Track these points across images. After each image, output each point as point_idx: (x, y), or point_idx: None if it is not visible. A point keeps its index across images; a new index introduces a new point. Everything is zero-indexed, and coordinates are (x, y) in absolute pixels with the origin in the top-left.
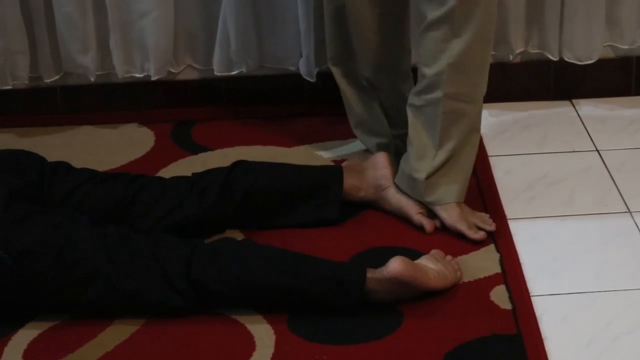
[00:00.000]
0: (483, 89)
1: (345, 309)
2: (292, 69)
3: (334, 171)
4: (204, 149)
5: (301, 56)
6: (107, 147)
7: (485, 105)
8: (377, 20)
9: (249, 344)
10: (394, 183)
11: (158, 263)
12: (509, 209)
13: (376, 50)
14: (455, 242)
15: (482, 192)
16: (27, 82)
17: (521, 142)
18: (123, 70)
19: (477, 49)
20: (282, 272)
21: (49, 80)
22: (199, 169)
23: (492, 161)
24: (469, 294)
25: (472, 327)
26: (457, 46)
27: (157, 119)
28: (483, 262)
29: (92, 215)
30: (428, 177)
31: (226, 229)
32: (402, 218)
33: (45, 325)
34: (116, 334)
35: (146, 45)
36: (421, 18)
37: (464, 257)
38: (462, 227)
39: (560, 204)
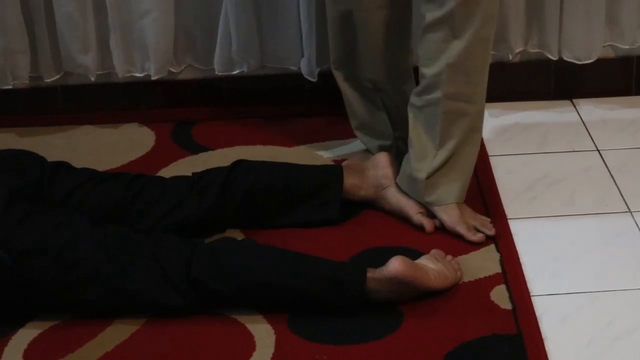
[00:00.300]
0: (483, 88)
1: (346, 308)
2: (293, 68)
3: (334, 171)
4: (205, 149)
5: (302, 56)
6: (108, 147)
7: (485, 105)
8: (384, 24)
9: (249, 344)
10: (395, 183)
11: (158, 263)
12: (510, 209)
13: (382, 53)
14: (455, 242)
15: (483, 192)
16: (27, 81)
17: (521, 142)
18: (123, 70)
19: (476, 49)
20: (282, 272)
21: (49, 80)
22: (200, 168)
23: (493, 161)
24: (469, 294)
25: (473, 327)
26: (456, 47)
27: (157, 118)
28: (483, 262)
29: (92, 215)
30: (428, 177)
31: (226, 228)
32: (402, 218)
33: (45, 325)
34: (116, 333)
35: (146, 45)
36: (420, 19)
37: (464, 257)
38: (461, 229)
39: (560, 204)
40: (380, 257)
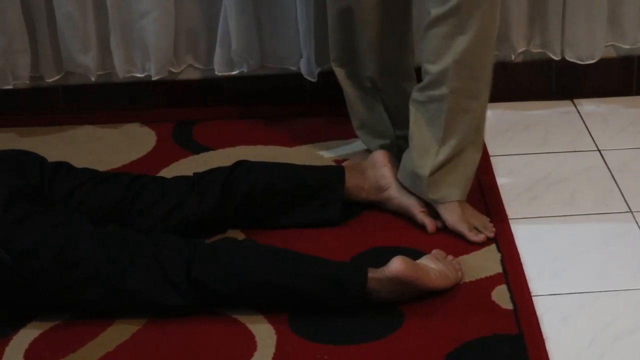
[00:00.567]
0: (487, 85)
1: (346, 308)
2: (293, 68)
3: (336, 171)
4: (205, 149)
5: (302, 56)
6: (108, 147)
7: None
8: (383, 21)
9: (250, 344)
10: (397, 179)
11: (158, 263)
12: (511, 209)
13: (382, 50)
14: (456, 242)
15: (484, 192)
16: (28, 81)
17: (523, 142)
18: (124, 70)
19: (481, 45)
20: (283, 272)
21: (50, 79)
22: (200, 168)
23: (494, 161)
24: (470, 294)
25: (473, 327)
26: (462, 43)
27: (158, 118)
28: (484, 262)
29: (93, 215)
30: (432, 174)
31: (227, 229)
32: (405, 217)
33: (46, 325)
34: (117, 333)
35: (147, 45)
36: (424, 15)
37: (465, 257)
38: (463, 228)
39: (561, 204)
40: (381, 257)
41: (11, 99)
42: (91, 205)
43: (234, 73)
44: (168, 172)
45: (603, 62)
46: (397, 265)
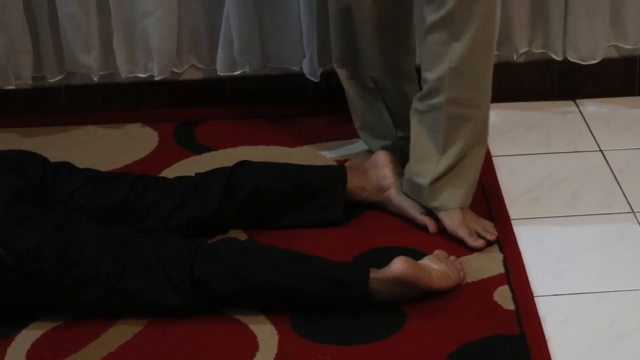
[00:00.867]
0: (487, 92)
1: (348, 309)
2: (296, 69)
3: (337, 171)
4: (207, 149)
5: (304, 56)
6: (110, 147)
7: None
8: (382, 21)
9: (252, 344)
10: (398, 181)
11: (160, 263)
12: (513, 210)
13: (381, 50)
14: (458, 242)
15: (486, 193)
16: (30, 81)
17: (525, 142)
18: (126, 70)
19: (478, 52)
20: (284, 272)
21: (52, 80)
22: (202, 169)
23: (496, 161)
24: (472, 295)
25: (476, 327)
26: (457, 50)
27: (160, 119)
28: (486, 263)
29: (95, 216)
30: (432, 183)
31: (229, 229)
32: (406, 219)
33: (48, 326)
34: (119, 334)
35: (149, 45)
36: (422, 22)
37: (467, 257)
38: (463, 234)
39: (563, 204)
40: (383, 257)
41: (13, 99)
42: (93, 205)
43: (236, 73)
44: (170, 173)
45: (605, 63)
46: (399, 265)
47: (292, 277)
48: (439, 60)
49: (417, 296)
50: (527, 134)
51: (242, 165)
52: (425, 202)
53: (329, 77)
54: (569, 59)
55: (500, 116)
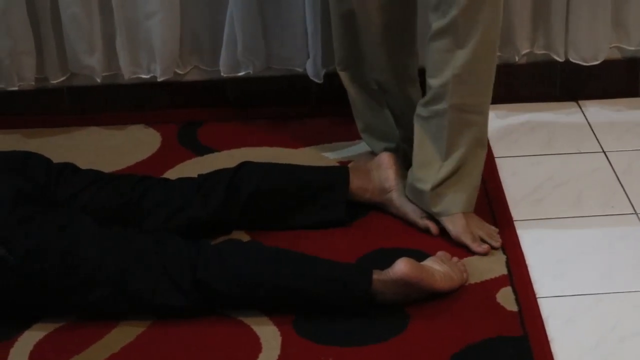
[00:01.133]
0: (489, 98)
1: (351, 310)
2: (299, 70)
3: (340, 172)
4: (210, 150)
5: (308, 57)
6: (113, 149)
7: (491, 106)
8: (385, 25)
9: (255, 346)
10: (400, 183)
11: (163, 264)
12: (515, 211)
13: (384, 53)
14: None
15: (489, 194)
16: (33, 83)
17: (527, 144)
18: (129, 71)
19: (481, 59)
20: (287, 273)
21: (55, 81)
22: (205, 170)
23: (499, 163)
24: (475, 296)
25: (478, 329)
26: (461, 57)
27: (163, 120)
28: (489, 264)
29: (98, 217)
30: (433, 188)
31: (232, 230)
32: (408, 222)
33: (51, 327)
34: (122, 335)
35: (152, 46)
36: (428, 28)
37: (470, 258)
38: (467, 240)
39: (566, 206)
40: (387, 258)
41: (16, 100)
42: (96, 206)
43: (239, 74)
44: (173, 174)
45: (607, 64)
46: (402, 267)
47: (295, 278)
48: (443, 67)
49: (420, 297)
50: (529, 136)
51: (245, 166)
52: (427, 207)
53: (333, 78)
54: (571, 60)
55: (502, 118)
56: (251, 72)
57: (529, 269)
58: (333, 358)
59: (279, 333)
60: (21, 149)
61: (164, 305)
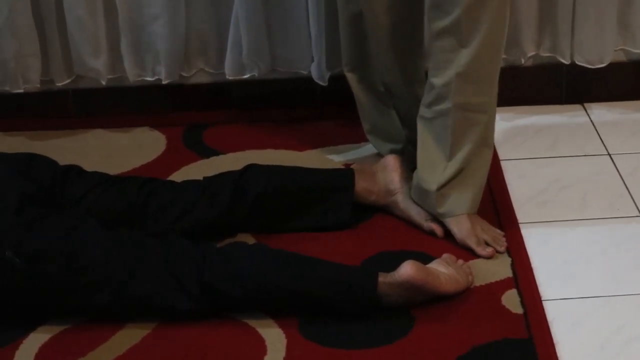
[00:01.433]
0: (493, 97)
1: (357, 313)
2: (304, 72)
3: (345, 174)
4: (216, 153)
5: (312, 60)
6: (119, 151)
7: (496, 109)
8: (393, 26)
9: (260, 348)
10: (406, 186)
11: (169, 267)
12: (521, 213)
13: (392, 55)
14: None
15: (494, 197)
16: (38, 85)
17: (533, 146)
18: (134, 74)
19: (485, 58)
20: (293, 276)
21: (60, 83)
22: (211, 172)
23: (504, 165)
24: (480, 299)
25: (484, 331)
26: (464, 56)
27: (168, 122)
28: (494, 267)
29: (103, 219)
30: (439, 189)
31: (238, 232)
32: (412, 225)
33: (56, 329)
34: (127, 337)
35: (157, 49)
36: (430, 28)
37: (475, 261)
38: (471, 243)
39: (572, 208)
40: (392, 261)
41: (22, 103)
42: (101, 209)
43: (244, 77)
44: (178, 176)
45: (613, 66)
46: (407, 269)
47: (301, 281)
48: (446, 66)
49: (426, 300)
50: (535, 138)
51: (251, 168)
52: (432, 208)
53: (337, 81)
54: (577, 62)
55: (508, 120)
56: (256, 74)
57: (534, 271)
58: None
59: (284, 335)
60: (27, 151)
61: (169, 308)
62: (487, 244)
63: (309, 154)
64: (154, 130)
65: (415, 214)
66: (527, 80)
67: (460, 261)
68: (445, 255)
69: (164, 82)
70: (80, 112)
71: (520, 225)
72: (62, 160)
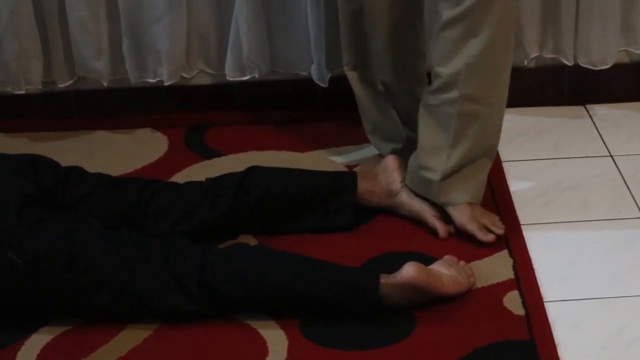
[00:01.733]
0: (502, 92)
1: (358, 314)
2: (304, 74)
3: (348, 176)
4: (217, 154)
5: (313, 61)
6: (121, 152)
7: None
8: (394, 24)
9: (262, 349)
10: (405, 185)
11: (171, 268)
12: (523, 215)
13: (393, 53)
14: (468, 247)
15: (496, 198)
16: (40, 86)
17: (535, 148)
18: (136, 75)
19: (496, 49)
20: (295, 277)
21: (62, 85)
22: (213, 174)
23: (506, 166)
24: (482, 300)
25: (485, 332)
26: (475, 46)
27: (170, 123)
28: (496, 268)
29: (105, 220)
30: (443, 179)
31: (239, 234)
32: (417, 221)
33: (58, 330)
34: (129, 339)
35: (159, 50)
36: (436, 17)
37: (477, 262)
38: (472, 228)
39: (573, 210)
40: (394, 262)
41: (24, 104)
42: (103, 210)
43: (245, 78)
44: (180, 178)
45: (616, 68)
46: (409, 271)
47: (303, 282)
48: (454, 55)
49: (428, 301)
50: (537, 139)
51: (253, 170)
52: (434, 197)
53: (338, 82)
54: (580, 64)
55: (510, 121)
56: (257, 75)
57: (536, 272)
58: None
59: (285, 337)
60: (29, 152)
61: (171, 309)
62: (488, 230)
63: (311, 155)
64: (155, 132)
65: (421, 210)
66: (530, 82)
67: (462, 262)
68: (447, 257)
69: (165, 84)
70: (82, 113)
71: (522, 227)
72: (64, 162)
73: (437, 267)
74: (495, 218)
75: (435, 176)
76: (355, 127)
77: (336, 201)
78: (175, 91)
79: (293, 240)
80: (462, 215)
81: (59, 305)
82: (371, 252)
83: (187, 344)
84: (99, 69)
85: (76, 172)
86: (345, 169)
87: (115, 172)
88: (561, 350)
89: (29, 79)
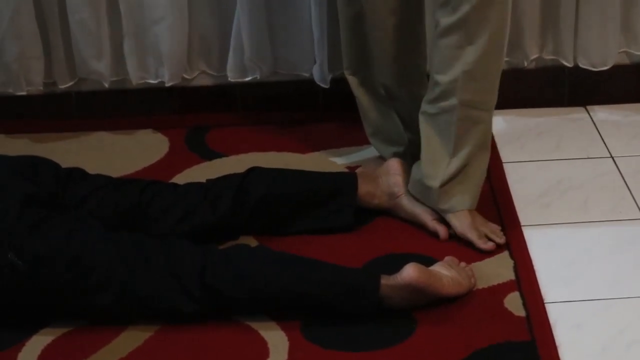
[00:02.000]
0: (495, 96)
1: (359, 315)
2: (306, 75)
3: (348, 178)
4: (218, 155)
5: (314, 63)
6: (122, 153)
7: (499, 111)
8: (396, 28)
9: (263, 351)
10: (407, 191)
11: (171, 268)
12: (523, 216)
13: (394, 57)
14: (469, 249)
15: (496, 199)
16: (41, 87)
17: (535, 149)
18: (137, 76)
19: (491, 55)
20: (295, 278)
21: (63, 86)
22: (213, 175)
23: (507, 167)
24: (483, 301)
25: (486, 334)
26: (471, 53)
27: (171, 125)
28: (497, 269)
29: (106, 221)
30: (442, 186)
31: (240, 235)
32: (417, 225)
33: (59, 332)
34: (130, 340)
35: (160, 52)
36: (435, 25)
37: (478, 263)
38: (472, 236)
39: (574, 211)
40: (394, 263)
41: (25, 105)
42: (104, 211)
43: (246, 79)
44: (181, 179)
45: (616, 69)
46: (410, 272)
47: (303, 283)
48: (452, 63)
49: (428, 302)
50: (537, 141)
51: (254, 171)
52: (434, 204)
53: (340, 83)
54: (580, 65)
55: (511, 122)
56: (258, 77)
57: (537, 274)
58: None
59: (286, 338)
60: (29, 153)
61: (171, 310)
62: (488, 238)
63: (312, 156)
64: (156, 133)
65: (421, 213)
66: (530, 83)
67: (463, 264)
68: (447, 258)
69: (166, 85)
70: (83, 114)
71: (523, 228)
72: (65, 163)
73: (437, 268)
74: (496, 228)
75: (435, 183)
76: (356, 129)
77: (336, 202)
78: (176, 92)
79: (293, 241)
80: (462, 224)
81: (59, 305)
82: (372, 253)
83: (188, 345)
84: (100, 70)
85: (77, 173)
86: (346, 170)
87: (116, 173)
88: (562, 352)
89: (30, 80)
